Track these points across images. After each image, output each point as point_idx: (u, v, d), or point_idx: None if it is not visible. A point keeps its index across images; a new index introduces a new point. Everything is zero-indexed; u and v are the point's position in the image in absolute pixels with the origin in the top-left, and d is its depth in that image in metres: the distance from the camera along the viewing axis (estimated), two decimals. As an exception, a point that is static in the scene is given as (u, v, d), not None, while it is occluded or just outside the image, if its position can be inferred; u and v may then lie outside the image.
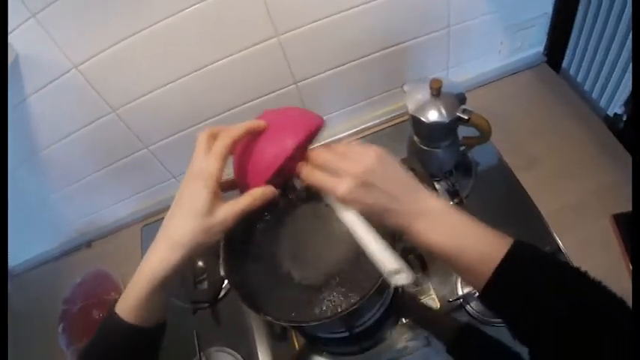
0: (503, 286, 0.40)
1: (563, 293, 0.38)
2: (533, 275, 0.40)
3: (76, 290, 0.90)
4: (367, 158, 0.45)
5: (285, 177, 0.52)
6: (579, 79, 0.91)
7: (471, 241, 0.43)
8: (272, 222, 0.71)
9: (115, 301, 0.46)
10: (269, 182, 0.47)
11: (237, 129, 0.46)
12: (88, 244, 1.03)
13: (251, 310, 0.59)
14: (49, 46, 0.69)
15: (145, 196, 1.01)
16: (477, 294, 0.44)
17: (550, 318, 0.38)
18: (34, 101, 0.76)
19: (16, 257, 1.08)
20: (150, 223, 1.01)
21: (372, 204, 0.45)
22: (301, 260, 0.68)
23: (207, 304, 0.79)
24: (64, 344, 0.85)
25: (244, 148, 0.48)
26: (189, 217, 0.44)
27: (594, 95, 0.88)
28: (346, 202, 0.46)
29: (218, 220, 0.44)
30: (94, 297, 0.88)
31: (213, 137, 0.46)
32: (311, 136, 0.51)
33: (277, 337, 0.77)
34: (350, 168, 0.45)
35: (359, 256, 0.66)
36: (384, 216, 0.46)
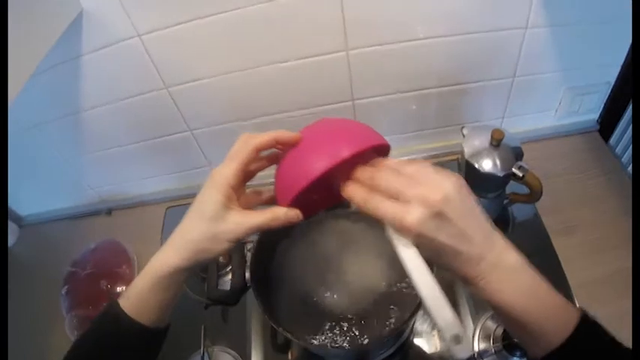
0: None
1: None
2: (595, 356, 0.39)
3: (88, 255, 0.88)
4: (445, 184, 0.37)
5: (326, 196, 0.46)
6: (619, 151, 0.91)
7: (543, 308, 0.39)
8: (302, 234, 0.70)
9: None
10: (302, 200, 0.42)
11: (264, 136, 0.43)
12: (109, 211, 1.01)
13: (270, 322, 0.58)
14: (117, 8, 0.67)
15: (177, 178, 0.99)
16: (529, 356, 0.41)
17: None
18: (89, 60, 0.74)
19: (30, 207, 1.07)
20: (175, 206, 0.99)
21: (443, 243, 0.37)
22: (326, 281, 0.67)
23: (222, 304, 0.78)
24: (64, 307, 0.83)
25: (284, 160, 0.44)
26: (198, 220, 0.42)
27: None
28: (412, 235, 0.37)
29: (226, 229, 0.42)
30: (104, 266, 0.86)
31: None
32: (358, 158, 0.42)
33: (277, 348, 0.76)
34: (423, 194, 0.37)
35: (390, 288, 0.65)
36: (453, 260, 0.38)
